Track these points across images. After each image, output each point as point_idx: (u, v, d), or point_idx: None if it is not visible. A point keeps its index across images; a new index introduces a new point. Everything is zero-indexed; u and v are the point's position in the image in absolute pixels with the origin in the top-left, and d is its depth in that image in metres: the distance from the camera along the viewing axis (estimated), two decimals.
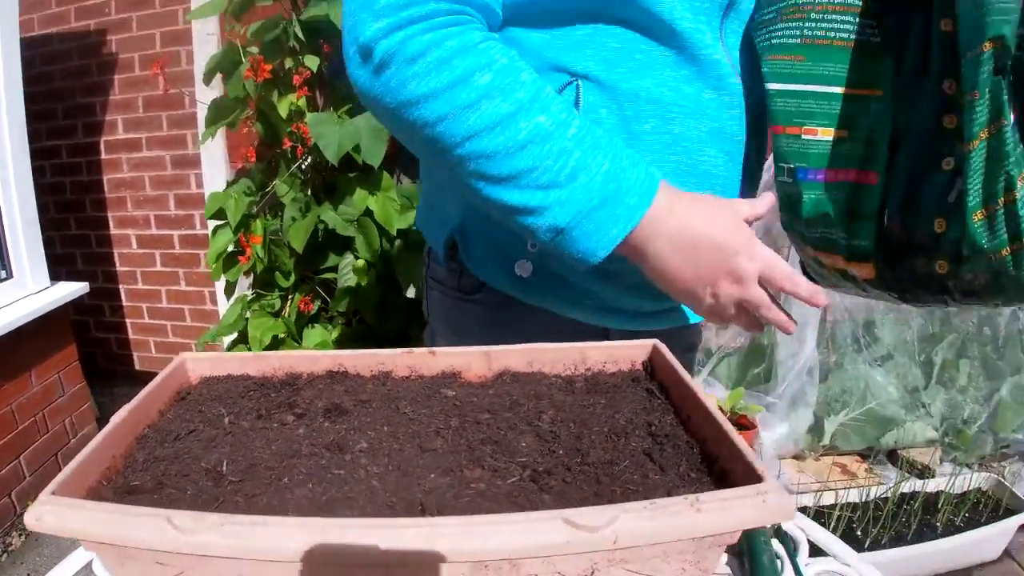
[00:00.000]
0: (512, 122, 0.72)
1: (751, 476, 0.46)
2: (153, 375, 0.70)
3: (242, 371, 0.75)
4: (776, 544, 0.77)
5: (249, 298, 2.12)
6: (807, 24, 0.84)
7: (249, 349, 2.04)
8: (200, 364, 0.75)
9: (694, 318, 1.05)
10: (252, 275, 2.15)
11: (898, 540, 2.40)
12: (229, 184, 2.21)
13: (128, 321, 3.79)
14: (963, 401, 3.07)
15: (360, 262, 1.91)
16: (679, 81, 0.82)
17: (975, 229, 0.76)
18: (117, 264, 3.71)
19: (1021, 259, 0.76)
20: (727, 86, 0.84)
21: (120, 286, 3.74)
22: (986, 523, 2.53)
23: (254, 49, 2.05)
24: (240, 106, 2.07)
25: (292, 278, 2.04)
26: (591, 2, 0.80)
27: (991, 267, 0.77)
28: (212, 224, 2.12)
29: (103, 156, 3.57)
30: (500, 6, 0.81)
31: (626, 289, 0.91)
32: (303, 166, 1.99)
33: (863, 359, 3.01)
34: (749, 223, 0.77)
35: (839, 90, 0.84)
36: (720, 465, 0.51)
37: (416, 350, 0.67)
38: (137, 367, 3.83)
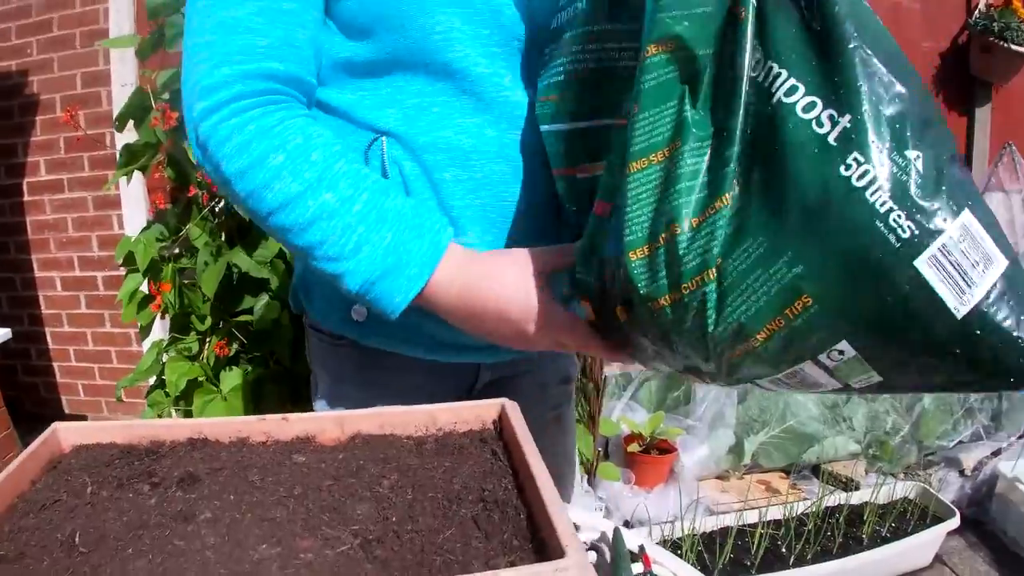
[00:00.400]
0: (300, 201, 0.79)
1: (557, 550, 0.48)
2: (82, 418, 0.71)
3: (110, 439, 0.75)
4: None
5: (166, 342, 2.10)
6: (568, 60, 0.84)
7: (167, 394, 2.03)
8: (71, 433, 0.75)
9: None
10: (167, 318, 2.13)
11: (824, 555, 2.44)
12: (145, 227, 2.19)
13: (55, 364, 3.72)
14: (885, 413, 3.14)
15: (272, 303, 1.92)
16: (480, 127, 0.88)
17: (632, 270, 0.71)
18: (42, 307, 3.64)
19: (682, 314, 0.70)
20: (531, 126, 0.89)
21: (46, 329, 3.67)
22: (913, 531, 2.59)
23: (166, 96, 2.05)
24: (152, 151, 2.06)
25: (208, 321, 2.03)
26: (389, 56, 0.86)
27: (655, 320, 0.72)
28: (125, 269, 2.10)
29: (26, 198, 3.51)
30: (314, 75, 0.88)
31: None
32: (216, 209, 1.98)
33: None
34: (543, 272, 0.82)
35: (595, 123, 0.84)
36: (540, 534, 0.53)
37: (269, 417, 0.68)
38: (66, 411, 3.75)
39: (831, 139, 0.65)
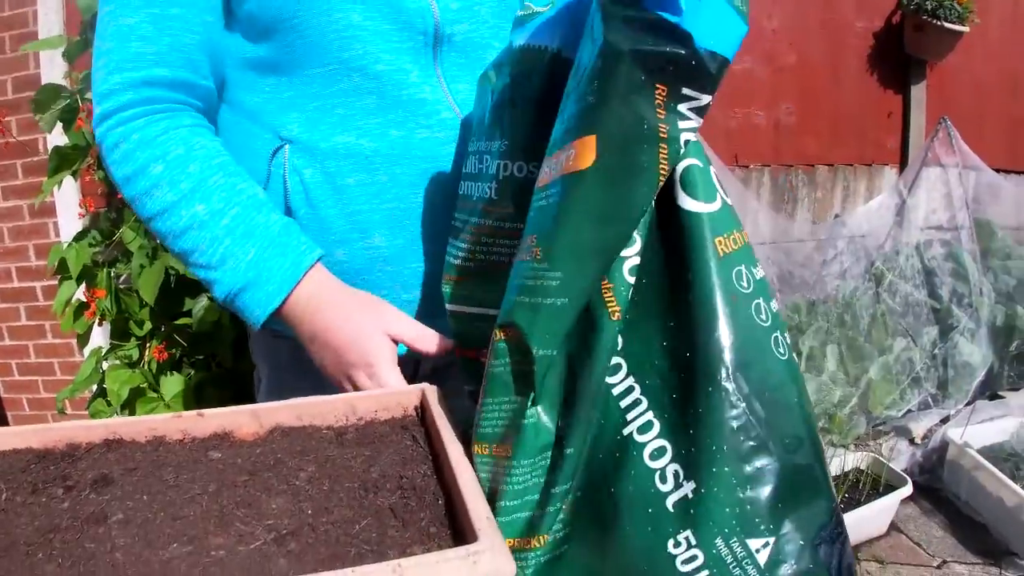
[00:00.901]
0: (174, 210, 0.84)
1: (472, 535, 0.47)
2: None
3: (26, 445, 0.73)
4: None
5: (105, 350, 2.06)
6: (477, 248, 0.77)
7: (109, 403, 1.99)
8: None
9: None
10: (107, 325, 2.09)
11: None
12: (78, 233, 2.14)
13: None
14: (833, 385, 3.19)
15: (212, 305, 1.89)
16: (384, 127, 0.88)
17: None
18: None
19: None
20: (441, 122, 0.89)
21: None
22: (867, 501, 2.64)
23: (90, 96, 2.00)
24: (82, 154, 2.02)
25: (147, 326, 1.99)
26: (289, 56, 0.87)
27: None
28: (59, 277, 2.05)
29: None
30: (208, 78, 0.89)
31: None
32: None
33: None
34: (398, 340, 0.84)
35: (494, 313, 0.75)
36: (458, 519, 0.52)
37: (185, 413, 0.67)
38: (12, 425, 3.66)
39: (669, 503, 0.57)
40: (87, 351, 2.14)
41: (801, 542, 0.57)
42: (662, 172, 0.57)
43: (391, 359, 0.81)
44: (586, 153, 0.58)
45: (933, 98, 4.08)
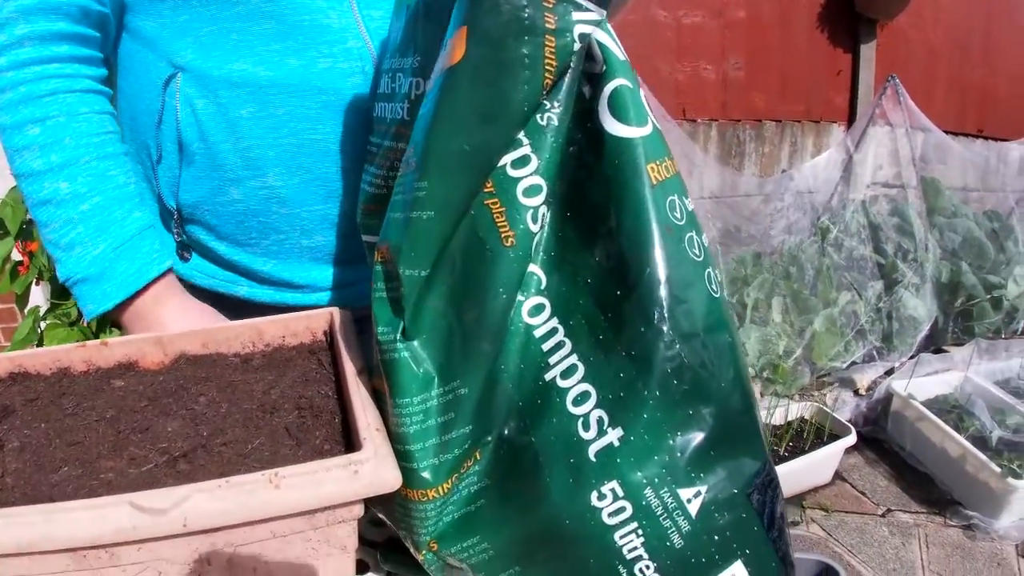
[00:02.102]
0: (38, 179, 0.81)
1: (358, 444, 0.46)
2: None
3: None
4: None
5: (44, 310, 2.02)
6: (392, 174, 0.68)
7: None
8: None
9: None
10: (46, 285, 2.04)
11: None
12: (11, 189, 2.09)
13: None
14: (776, 337, 3.23)
15: None
16: (282, 55, 0.82)
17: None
18: None
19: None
20: (346, 52, 0.83)
21: None
22: (811, 449, 2.69)
23: None
24: None
25: None
26: None
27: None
28: None
29: None
30: (106, 4, 0.84)
31: (282, 258, 0.94)
32: None
33: None
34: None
35: None
36: (352, 433, 0.52)
37: (89, 343, 0.66)
38: None
39: (591, 452, 0.54)
40: (26, 310, 2.09)
41: (734, 491, 0.56)
42: (547, 68, 0.53)
43: None
44: (457, 48, 0.53)
45: (883, 58, 4.12)
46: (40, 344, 2.01)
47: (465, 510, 0.58)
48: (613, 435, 0.54)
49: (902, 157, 3.94)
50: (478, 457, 0.58)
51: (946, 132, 4.18)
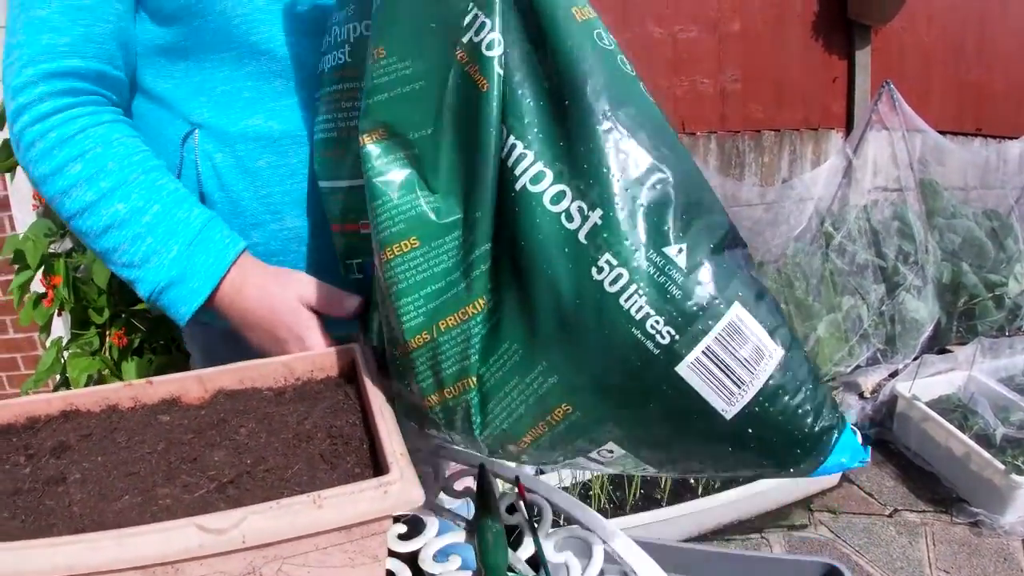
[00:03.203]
0: (94, 209, 0.83)
1: (386, 467, 0.53)
2: None
3: None
4: (519, 516, 0.85)
5: (66, 339, 2.08)
6: (339, 116, 0.82)
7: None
8: None
9: None
10: (67, 315, 2.11)
11: (731, 481, 2.55)
12: (32, 224, 2.16)
13: None
14: None
15: None
16: (292, 109, 0.90)
17: (401, 362, 0.69)
18: None
19: (450, 416, 0.68)
20: None
21: None
22: None
23: None
24: None
25: (106, 314, 2.02)
26: (196, 41, 0.88)
27: (427, 414, 0.70)
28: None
29: None
30: (121, 69, 0.89)
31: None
32: None
33: None
34: (314, 308, 0.86)
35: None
36: (378, 458, 0.58)
37: (135, 382, 0.72)
38: None
39: (581, 237, 0.61)
40: (48, 341, 2.16)
41: (710, 245, 0.62)
42: None
43: (315, 327, 0.83)
44: None
45: (878, 63, 4.16)
46: (64, 373, 2.08)
47: (490, 324, 0.66)
48: (594, 216, 0.60)
49: (900, 161, 3.98)
50: (487, 273, 0.66)
51: (944, 132, 4.21)
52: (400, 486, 0.51)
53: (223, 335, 1.03)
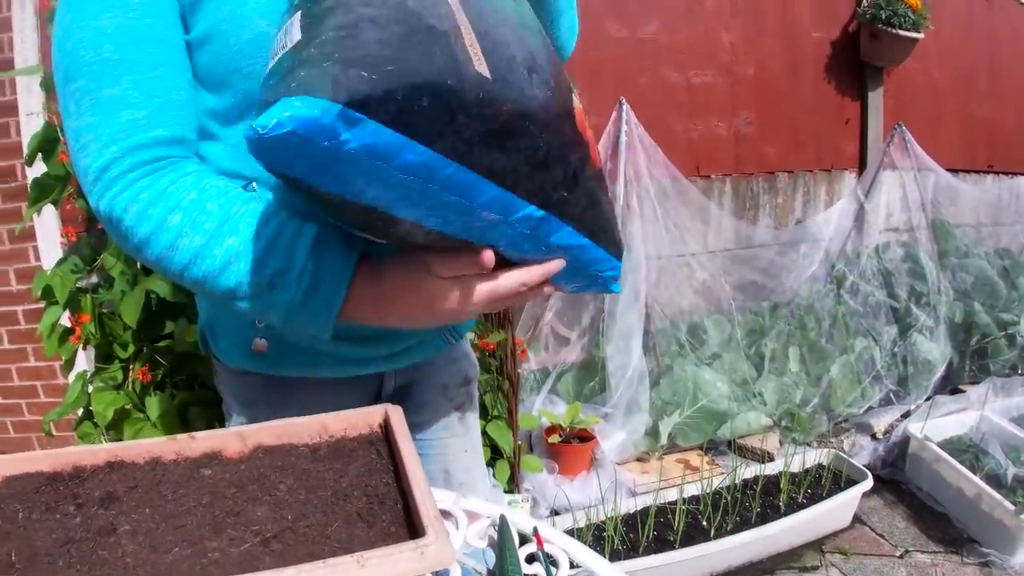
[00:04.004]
0: (206, 251, 0.82)
1: (421, 530, 0.57)
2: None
3: (36, 468, 0.81)
4: (537, 565, 0.88)
5: (90, 373, 2.13)
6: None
7: (96, 425, 2.06)
8: (2, 465, 0.82)
9: (444, 346, 1.17)
10: (91, 348, 2.16)
11: (743, 525, 2.57)
12: (61, 260, 2.21)
13: None
14: (795, 385, 3.30)
15: (192, 327, 1.96)
16: None
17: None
18: None
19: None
20: None
21: None
22: (828, 495, 2.75)
23: None
24: (61, 184, 2.09)
25: (130, 349, 2.06)
26: (248, 101, 0.89)
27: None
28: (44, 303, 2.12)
29: None
30: (195, 131, 0.91)
31: (355, 342, 1.03)
32: None
33: (691, 361, 3.20)
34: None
35: None
36: (412, 518, 0.62)
37: (179, 437, 0.76)
38: None
39: None
40: (72, 375, 2.21)
41: None
42: None
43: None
44: None
45: (890, 103, 4.21)
46: (88, 406, 2.12)
47: None
48: None
49: (912, 202, 4.02)
50: None
51: (956, 170, 4.26)
52: (436, 547, 0.55)
53: (264, 390, 1.07)
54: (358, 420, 0.78)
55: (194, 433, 0.76)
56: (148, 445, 0.77)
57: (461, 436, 1.26)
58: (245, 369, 1.07)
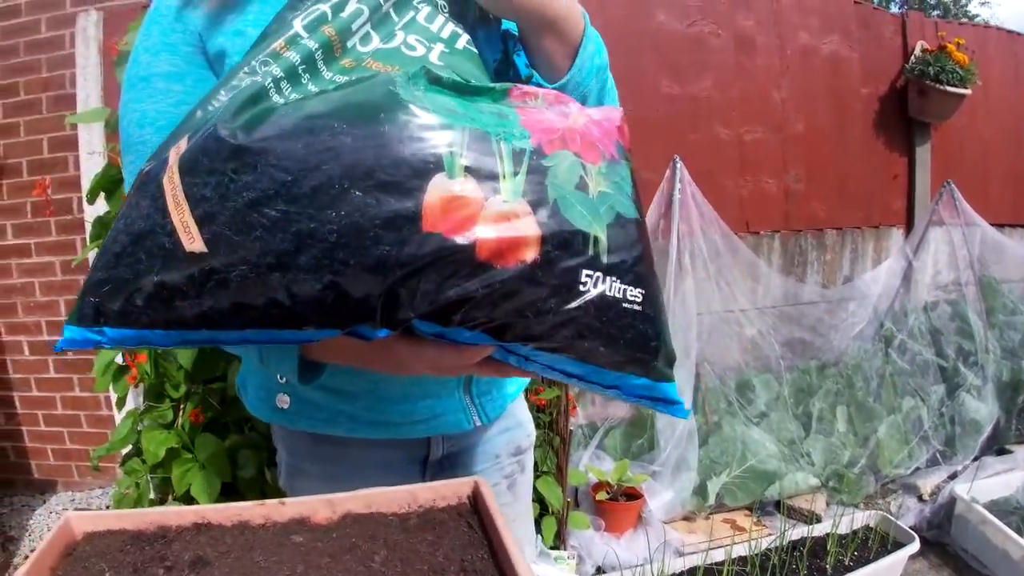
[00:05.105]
0: None
1: None
2: (53, 483, 0.77)
3: (119, 526, 0.81)
4: None
5: (140, 411, 2.14)
6: None
7: (144, 462, 2.06)
8: (83, 522, 0.81)
9: (467, 426, 1.12)
10: (142, 386, 2.17)
11: None
12: None
13: (24, 429, 3.70)
14: (842, 445, 3.26)
15: None
16: None
17: None
18: (11, 371, 3.64)
19: None
20: None
21: (14, 393, 3.66)
22: (875, 558, 2.69)
23: None
24: None
25: (182, 389, 2.08)
26: None
27: None
28: None
29: None
30: None
31: (371, 402, 1.04)
32: None
33: (740, 420, 3.17)
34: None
35: None
36: None
37: (268, 502, 0.75)
38: (36, 475, 3.73)
39: None
40: (123, 412, 2.22)
41: None
42: None
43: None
44: None
45: (938, 159, 4.20)
46: (138, 444, 2.13)
47: None
48: None
49: (959, 259, 3.99)
50: None
51: (1003, 225, 4.21)
52: None
53: (309, 443, 1.08)
54: (447, 491, 0.77)
55: (284, 500, 0.75)
56: (236, 508, 0.77)
57: (509, 504, 1.24)
58: (270, 422, 1.11)
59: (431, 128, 0.65)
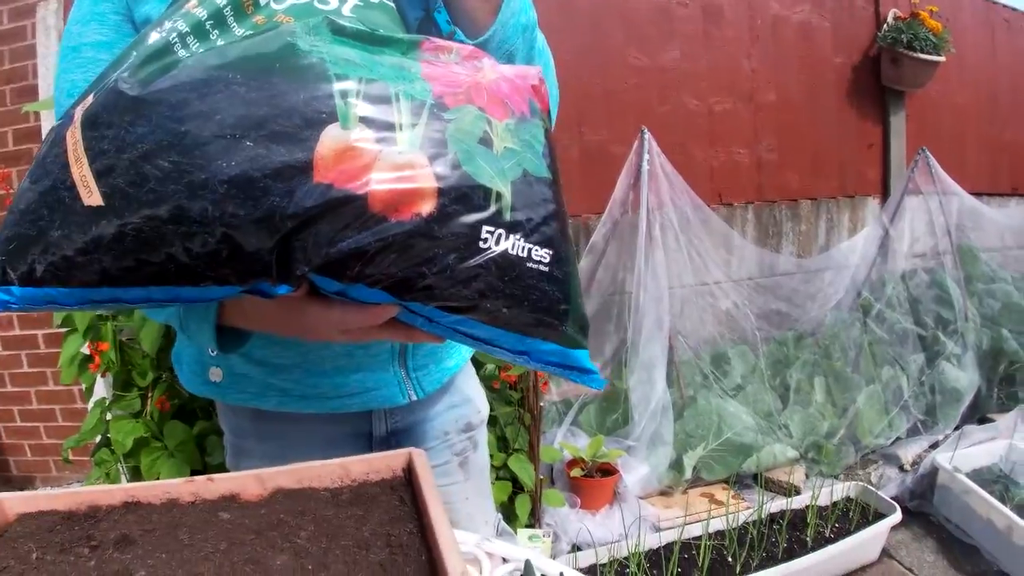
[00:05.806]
0: None
1: None
2: (32, 479, 0.75)
3: (51, 507, 0.79)
4: None
5: (108, 401, 2.12)
6: None
7: (113, 452, 2.04)
8: (16, 503, 0.80)
9: (401, 399, 1.10)
10: (110, 376, 2.14)
11: (769, 560, 2.52)
12: None
13: (0, 425, 3.67)
14: (821, 416, 3.25)
15: None
16: None
17: None
18: None
19: None
20: None
21: None
22: (856, 530, 2.69)
23: None
24: None
25: (149, 377, 2.05)
26: None
27: None
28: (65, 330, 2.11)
29: None
30: None
31: (301, 374, 1.03)
32: None
33: (715, 392, 3.16)
34: None
35: None
36: (437, 572, 0.59)
37: (197, 478, 0.73)
38: (14, 472, 3.70)
39: None
40: (91, 402, 2.19)
41: None
42: None
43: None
44: None
45: (913, 127, 4.19)
46: (107, 434, 2.11)
47: None
48: None
49: (937, 227, 3.98)
50: None
51: (980, 193, 4.22)
52: None
53: (252, 421, 1.07)
54: (381, 464, 0.75)
55: (213, 476, 0.73)
56: (165, 486, 0.75)
57: (461, 483, 1.22)
58: (203, 396, 1.10)
59: (326, 79, 0.63)
